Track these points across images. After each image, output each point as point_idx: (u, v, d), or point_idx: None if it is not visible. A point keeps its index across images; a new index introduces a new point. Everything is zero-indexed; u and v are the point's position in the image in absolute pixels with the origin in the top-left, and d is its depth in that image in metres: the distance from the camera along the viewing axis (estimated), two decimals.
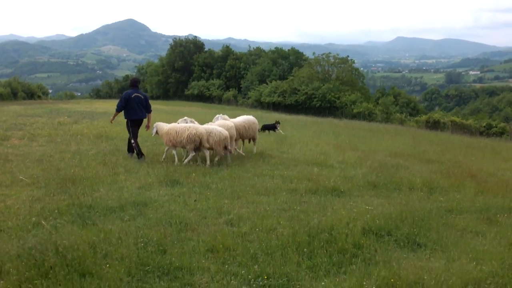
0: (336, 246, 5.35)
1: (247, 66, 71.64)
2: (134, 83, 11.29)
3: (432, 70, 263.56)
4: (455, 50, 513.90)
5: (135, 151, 11.00)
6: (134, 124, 11.10)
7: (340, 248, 5.31)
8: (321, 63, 58.96)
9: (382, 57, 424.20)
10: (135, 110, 11.00)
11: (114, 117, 11.44)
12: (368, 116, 42.95)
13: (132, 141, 10.99)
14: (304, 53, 72.10)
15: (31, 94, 52.96)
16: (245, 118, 12.56)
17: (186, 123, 11.43)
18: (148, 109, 11.28)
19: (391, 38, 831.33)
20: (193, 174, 9.07)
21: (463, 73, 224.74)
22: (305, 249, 5.21)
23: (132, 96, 10.94)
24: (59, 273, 4.37)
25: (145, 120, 11.38)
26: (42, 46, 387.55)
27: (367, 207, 7.12)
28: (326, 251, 5.22)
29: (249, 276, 4.49)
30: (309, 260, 4.97)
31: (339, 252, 5.22)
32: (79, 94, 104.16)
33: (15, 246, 4.96)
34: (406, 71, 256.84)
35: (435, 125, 35.34)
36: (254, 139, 12.77)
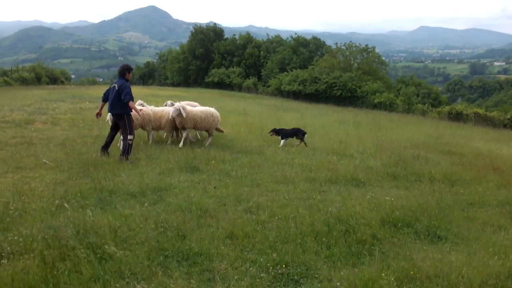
0: (355, 236, 5.33)
1: (267, 54, 71.33)
2: (118, 71, 9.73)
3: (455, 61, 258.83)
4: (480, 41, 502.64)
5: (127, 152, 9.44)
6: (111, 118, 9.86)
7: (359, 238, 5.29)
8: (343, 52, 58.30)
9: (405, 47, 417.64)
10: (109, 103, 9.57)
11: (99, 109, 9.88)
12: (389, 107, 42.40)
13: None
14: (325, 42, 71.37)
15: (55, 79, 53.64)
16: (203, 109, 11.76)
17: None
18: (123, 96, 9.21)
19: (414, 27, 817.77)
20: (213, 162, 9.12)
21: (487, 64, 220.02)
22: (324, 239, 5.20)
23: (111, 86, 9.57)
24: (80, 255, 4.45)
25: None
26: (65, 32, 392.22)
27: (386, 198, 7.05)
28: (345, 241, 5.20)
29: (268, 264, 4.50)
30: (328, 250, 4.97)
31: (358, 243, 5.20)
32: (101, 80, 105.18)
33: (39, 227, 5.06)
34: (429, 61, 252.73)
35: (457, 117, 34.73)
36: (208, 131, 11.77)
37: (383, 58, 66.29)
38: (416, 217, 6.16)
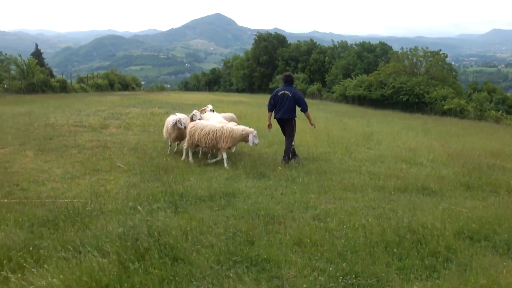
0: (428, 248, 5.11)
1: (332, 60, 70.83)
2: (285, 80, 10.14)
3: None
4: None
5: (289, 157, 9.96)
6: (279, 124, 10.28)
7: (432, 250, 5.07)
8: (409, 56, 56.74)
9: (476, 51, 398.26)
10: (277, 109, 9.96)
11: (268, 120, 10.29)
12: (459, 113, 40.71)
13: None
14: (391, 47, 69.80)
15: (126, 85, 56.08)
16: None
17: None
18: (301, 107, 9.96)
19: (485, 30, 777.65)
20: (279, 168, 9.13)
21: None
22: (394, 250, 5.04)
23: (279, 93, 9.93)
24: (153, 256, 4.58)
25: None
26: (136, 40, 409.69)
27: (460, 209, 6.75)
28: (417, 252, 5.01)
29: (337, 274, 4.42)
30: (399, 261, 4.80)
31: (431, 255, 4.98)
32: (169, 86, 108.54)
33: (115, 228, 5.29)
34: (502, 65, 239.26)
35: None
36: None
37: (452, 63, 63.81)
38: (494, 230, 5.82)
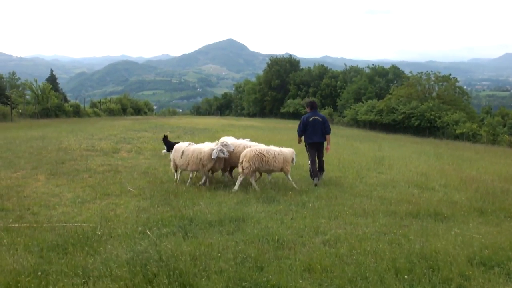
0: (440, 275, 5.03)
1: (343, 84, 71.13)
2: (312, 106, 11.11)
3: None
4: None
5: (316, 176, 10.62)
6: (311, 148, 10.97)
7: (444, 277, 4.99)
8: (421, 81, 56.74)
9: (488, 75, 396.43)
10: (311, 133, 10.87)
11: (299, 141, 11.43)
12: (472, 137, 40.39)
13: (309, 162, 10.90)
14: (403, 71, 69.94)
15: (138, 110, 56.72)
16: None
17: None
18: (326, 131, 10.94)
19: (498, 54, 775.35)
20: (290, 192, 9.09)
21: None
22: (406, 276, 4.96)
23: (310, 119, 10.84)
24: (162, 281, 4.56)
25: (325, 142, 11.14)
26: (149, 65, 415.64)
27: (473, 235, 6.64)
28: (429, 280, 4.93)
29: None
30: None
31: (443, 282, 4.90)
32: (180, 110, 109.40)
33: (124, 252, 5.28)
34: None
35: None
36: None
37: (465, 87, 63.65)
38: (508, 257, 5.71)
